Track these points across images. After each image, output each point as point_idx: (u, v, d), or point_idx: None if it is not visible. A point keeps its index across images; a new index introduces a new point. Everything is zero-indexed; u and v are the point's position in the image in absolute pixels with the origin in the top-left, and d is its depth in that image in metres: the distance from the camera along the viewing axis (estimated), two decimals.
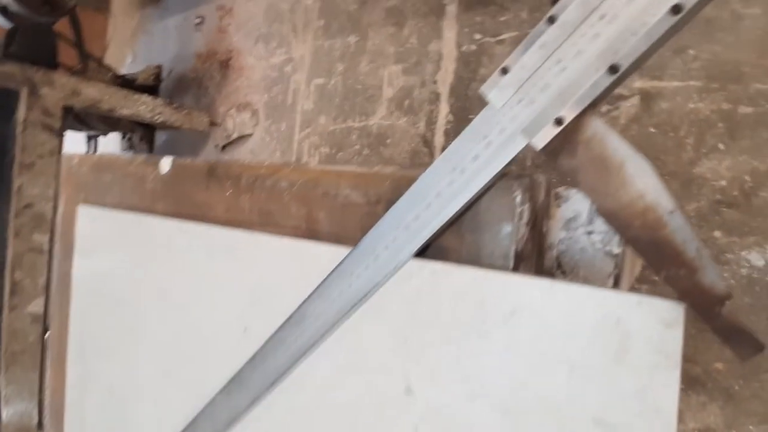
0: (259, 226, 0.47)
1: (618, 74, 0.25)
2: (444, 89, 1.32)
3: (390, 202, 0.37)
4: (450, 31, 1.31)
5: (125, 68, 2.14)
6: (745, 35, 0.90)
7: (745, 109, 0.89)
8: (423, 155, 1.35)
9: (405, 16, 1.38)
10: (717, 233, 0.94)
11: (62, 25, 1.47)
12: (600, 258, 0.34)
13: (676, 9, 0.23)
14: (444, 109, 1.32)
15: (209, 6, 1.88)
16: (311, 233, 0.41)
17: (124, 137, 1.80)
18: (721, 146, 0.91)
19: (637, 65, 0.25)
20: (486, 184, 0.30)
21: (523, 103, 0.28)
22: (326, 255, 0.36)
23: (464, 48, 1.28)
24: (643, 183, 0.23)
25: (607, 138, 0.25)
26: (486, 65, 1.24)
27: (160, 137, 1.93)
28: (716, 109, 0.93)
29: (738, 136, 0.90)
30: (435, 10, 1.33)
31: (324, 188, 0.41)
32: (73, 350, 0.64)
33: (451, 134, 1.28)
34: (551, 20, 0.27)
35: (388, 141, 1.43)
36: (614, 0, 0.25)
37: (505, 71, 0.28)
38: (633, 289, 0.35)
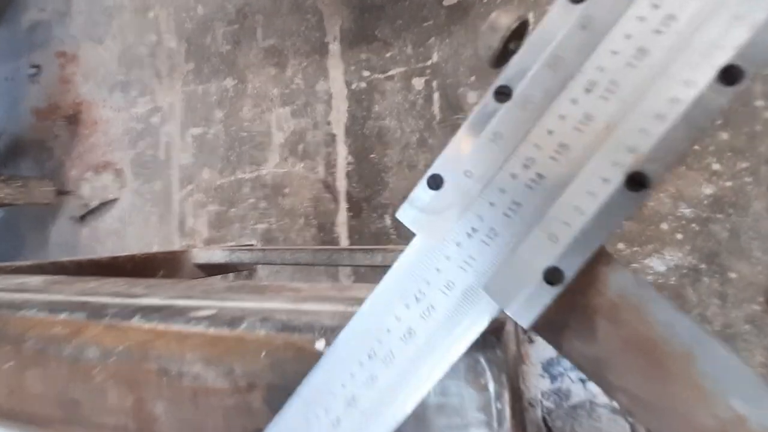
0: (61, 425, 0.27)
1: (647, 188, 0.13)
2: (339, 130, 1.20)
3: (271, 390, 0.21)
4: (336, 70, 1.20)
5: None
6: None
7: None
8: (327, 201, 1.20)
9: (286, 56, 1.24)
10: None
11: None
12: (606, 419, 0.22)
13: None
14: (342, 151, 1.20)
15: (45, 53, 1.52)
16: None
17: None
18: None
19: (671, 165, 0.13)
20: (434, 383, 0.16)
21: (477, 238, 0.15)
22: None
23: (354, 86, 1.17)
24: (739, 394, 0.12)
25: (650, 304, 0.13)
26: (379, 102, 1.15)
27: None
28: None
29: None
30: (317, 49, 1.21)
31: (159, 361, 0.24)
32: None
33: (353, 177, 1.16)
34: (501, 95, 0.14)
35: (286, 190, 1.26)
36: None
37: (436, 182, 0.15)
38: None
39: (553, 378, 0.23)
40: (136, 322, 0.26)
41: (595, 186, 0.14)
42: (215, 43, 1.32)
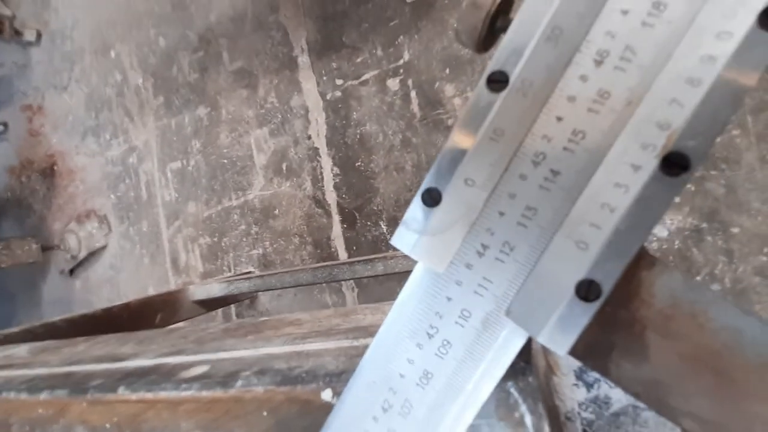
0: None
1: (689, 170, 0.10)
2: (321, 143, 1.18)
3: None
4: (309, 82, 1.18)
5: None
6: None
7: None
8: (319, 217, 1.18)
9: (255, 76, 1.22)
10: None
11: None
12: (653, 423, 0.19)
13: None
14: (327, 164, 1.17)
15: (10, 109, 1.48)
16: None
17: None
18: None
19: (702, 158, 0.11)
20: (463, 430, 0.13)
21: (490, 255, 0.12)
22: None
23: (329, 96, 1.15)
24: None
25: (709, 309, 0.10)
26: (356, 109, 1.13)
27: None
28: None
29: None
30: (286, 64, 1.18)
31: None
32: None
33: (342, 188, 1.14)
34: (496, 83, 0.12)
35: (276, 211, 1.23)
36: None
37: (432, 197, 0.13)
38: None
39: (589, 386, 0.21)
40: (122, 392, 0.23)
41: (625, 176, 0.11)
42: (182, 73, 1.30)
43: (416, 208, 0.13)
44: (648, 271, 0.11)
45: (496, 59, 0.12)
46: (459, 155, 0.13)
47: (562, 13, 0.11)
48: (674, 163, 0.11)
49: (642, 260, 0.11)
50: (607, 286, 0.11)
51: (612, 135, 0.11)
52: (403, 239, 0.13)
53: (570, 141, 0.12)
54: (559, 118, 0.12)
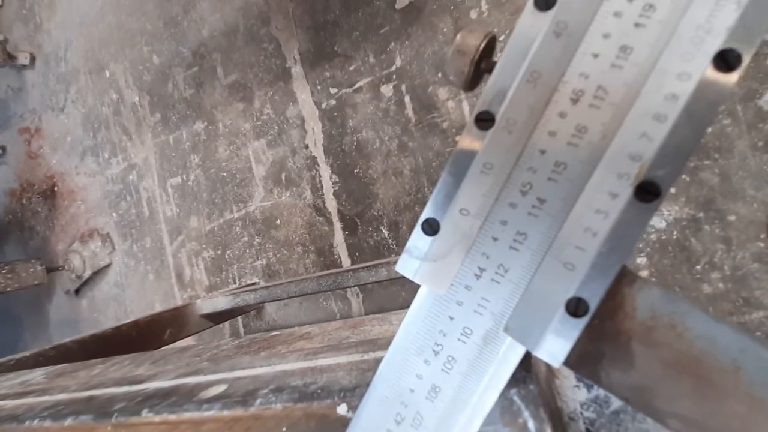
0: None
1: (660, 197, 0.12)
2: (318, 151, 1.19)
3: None
4: (303, 93, 1.19)
5: None
6: None
7: None
8: (320, 225, 1.19)
9: (250, 89, 1.23)
10: None
11: None
12: (651, 419, 0.21)
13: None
14: (326, 172, 1.19)
15: (8, 132, 1.50)
16: None
17: None
18: None
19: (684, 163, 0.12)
20: None
21: (487, 277, 0.14)
22: None
23: (324, 105, 1.17)
24: None
25: (686, 319, 0.12)
26: (352, 116, 1.14)
27: None
28: None
29: None
30: (280, 76, 1.20)
31: None
32: None
33: (342, 195, 1.15)
34: (484, 122, 0.13)
35: (278, 221, 1.24)
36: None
37: (431, 227, 0.14)
38: None
39: (589, 386, 0.22)
40: (146, 415, 0.24)
41: (604, 203, 0.12)
42: (177, 89, 1.31)
43: (417, 237, 0.14)
44: (629, 287, 0.13)
45: (482, 101, 0.13)
46: (453, 187, 0.14)
47: (540, 58, 0.13)
48: (647, 191, 0.12)
49: (624, 277, 0.13)
50: (593, 303, 0.13)
51: (590, 166, 0.13)
52: (406, 266, 0.15)
53: (553, 172, 0.13)
54: (543, 152, 0.13)
